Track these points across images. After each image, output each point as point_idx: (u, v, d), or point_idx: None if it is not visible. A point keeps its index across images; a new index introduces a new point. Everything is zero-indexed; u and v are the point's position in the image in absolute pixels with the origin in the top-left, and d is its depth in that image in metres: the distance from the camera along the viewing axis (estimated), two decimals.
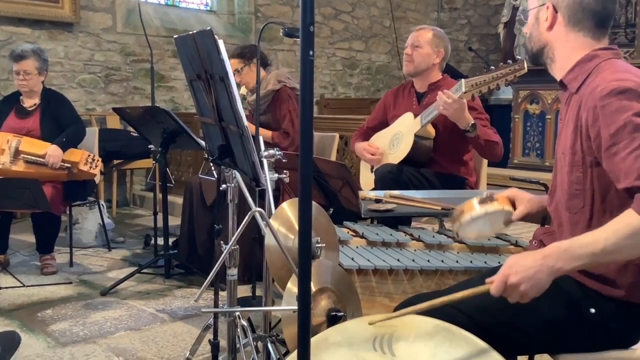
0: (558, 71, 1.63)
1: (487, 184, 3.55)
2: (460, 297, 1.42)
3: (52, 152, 3.75)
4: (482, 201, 1.69)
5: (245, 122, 1.82)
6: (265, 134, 3.74)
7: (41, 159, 3.74)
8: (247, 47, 3.89)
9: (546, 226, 1.80)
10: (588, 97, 1.46)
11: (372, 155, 3.23)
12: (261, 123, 3.81)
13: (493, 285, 1.39)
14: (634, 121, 1.36)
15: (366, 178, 3.36)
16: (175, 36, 2.09)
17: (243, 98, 3.79)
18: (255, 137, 2.13)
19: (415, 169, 3.05)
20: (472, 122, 2.89)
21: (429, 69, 3.19)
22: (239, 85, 3.58)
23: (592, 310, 1.50)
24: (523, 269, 1.37)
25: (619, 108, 1.39)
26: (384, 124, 3.35)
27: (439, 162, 3.11)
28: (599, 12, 1.56)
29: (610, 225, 1.36)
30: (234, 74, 3.79)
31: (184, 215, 3.89)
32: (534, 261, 1.37)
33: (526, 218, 1.75)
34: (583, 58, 1.56)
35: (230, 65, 1.78)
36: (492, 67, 2.86)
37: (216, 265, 1.88)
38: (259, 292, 3.22)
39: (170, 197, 4.11)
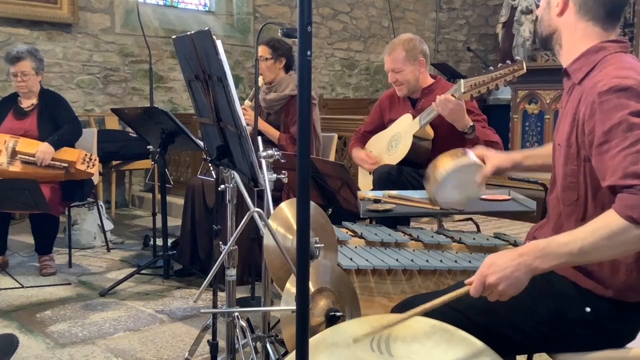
0: (565, 59, 1.61)
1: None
2: (440, 302, 1.41)
3: (42, 149, 3.75)
4: (453, 155, 1.70)
5: (244, 122, 1.82)
6: (273, 133, 3.72)
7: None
8: (283, 44, 3.84)
9: (541, 222, 1.80)
10: (589, 92, 1.45)
11: (372, 164, 3.22)
12: (268, 121, 3.80)
13: (472, 286, 1.40)
14: (629, 120, 1.35)
15: (365, 179, 3.36)
16: (173, 37, 2.09)
17: (259, 87, 3.74)
18: (254, 138, 2.12)
19: (414, 170, 3.05)
20: (471, 124, 2.89)
21: (420, 80, 3.19)
22: (237, 81, 3.54)
23: (588, 310, 1.50)
24: (500, 269, 1.36)
25: (616, 106, 1.37)
26: (380, 127, 3.35)
27: None
28: (611, 2, 1.54)
29: (589, 225, 1.35)
30: (259, 60, 3.71)
31: (185, 217, 3.88)
32: (511, 260, 1.37)
33: (498, 173, 1.80)
34: (590, 49, 1.54)
35: (227, 64, 1.78)
36: (491, 68, 2.86)
37: (215, 265, 1.88)
38: (257, 293, 3.21)
39: (169, 198, 4.11)
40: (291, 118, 3.75)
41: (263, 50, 3.78)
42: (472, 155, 1.78)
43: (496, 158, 1.81)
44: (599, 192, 1.47)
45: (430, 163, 1.76)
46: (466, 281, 1.42)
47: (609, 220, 1.31)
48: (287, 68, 3.86)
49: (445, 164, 1.70)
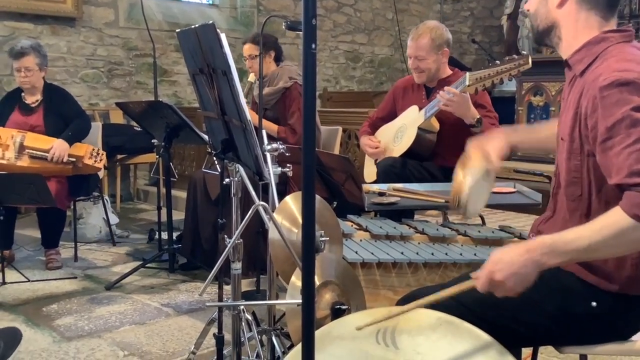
0: (565, 50, 1.59)
1: None
2: (447, 295, 1.41)
3: (57, 145, 3.76)
4: (462, 164, 1.70)
5: (249, 115, 1.82)
6: (271, 127, 3.72)
7: (46, 154, 3.75)
8: (267, 37, 3.86)
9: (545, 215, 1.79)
10: (590, 85, 1.43)
11: (374, 149, 3.23)
12: (267, 117, 3.81)
13: (479, 282, 1.39)
14: (632, 116, 1.33)
15: (370, 171, 3.36)
16: (177, 30, 2.09)
17: (250, 85, 3.78)
18: (258, 131, 2.12)
19: (418, 163, 3.05)
20: (478, 117, 2.87)
21: (440, 70, 3.17)
22: (241, 74, 3.57)
23: (594, 304, 1.50)
24: (507, 265, 1.36)
25: (619, 101, 1.36)
26: (393, 114, 3.33)
27: (444, 156, 3.10)
28: None
29: (596, 223, 1.34)
30: (246, 59, 3.80)
31: (187, 210, 3.89)
32: (518, 256, 1.36)
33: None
34: (592, 40, 1.52)
35: (231, 58, 1.77)
36: (497, 62, 2.85)
37: (220, 259, 1.88)
38: (263, 286, 3.22)
39: (173, 192, 4.12)
40: (288, 109, 3.76)
41: (250, 48, 3.82)
42: (475, 159, 1.75)
43: (497, 151, 1.77)
44: (604, 188, 1.46)
45: (450, 194, 1.73)
46: (472, 274, 1.42)
47: (616, 218, 1.31)
48: (277, 60, 3.88)
49: (464, 185, 1.69)
